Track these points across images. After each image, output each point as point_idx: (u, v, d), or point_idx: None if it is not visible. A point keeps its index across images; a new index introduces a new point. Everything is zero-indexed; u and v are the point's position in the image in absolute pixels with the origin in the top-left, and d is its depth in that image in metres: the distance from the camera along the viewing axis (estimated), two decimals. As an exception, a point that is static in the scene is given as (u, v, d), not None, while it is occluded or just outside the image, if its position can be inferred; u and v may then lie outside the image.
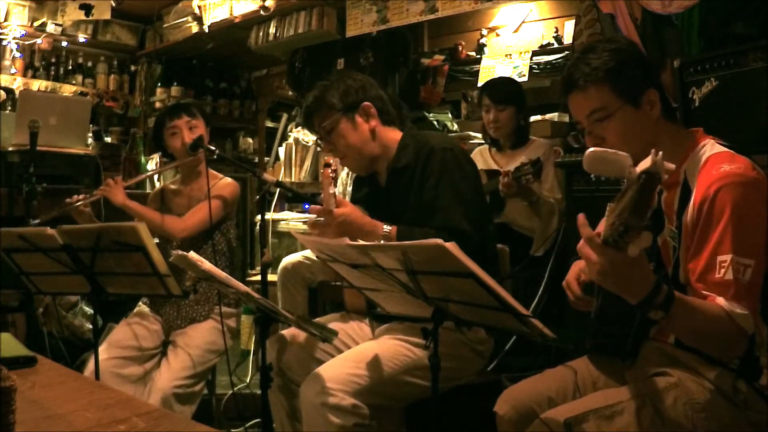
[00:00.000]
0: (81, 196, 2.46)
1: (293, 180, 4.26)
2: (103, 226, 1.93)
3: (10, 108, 4.35)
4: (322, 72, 4.24)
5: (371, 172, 2.05)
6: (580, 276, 1.49)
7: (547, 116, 3.37)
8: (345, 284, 1.88)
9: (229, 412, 2.75)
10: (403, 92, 4.11)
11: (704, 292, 1.27)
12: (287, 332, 2.00)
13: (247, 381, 3.17)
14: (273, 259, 3.25)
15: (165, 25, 4.98)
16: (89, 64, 5.26)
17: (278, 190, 3.47)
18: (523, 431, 1.40)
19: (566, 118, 3.15)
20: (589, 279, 1.30)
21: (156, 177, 4.26)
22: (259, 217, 2.65)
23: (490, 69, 3.77)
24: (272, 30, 4.32)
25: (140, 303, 2.58)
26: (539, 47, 3.69)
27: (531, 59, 3.65)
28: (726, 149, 1.36)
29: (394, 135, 2.00)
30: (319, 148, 3.80)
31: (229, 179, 2.64)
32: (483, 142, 3.40)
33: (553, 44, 3.64)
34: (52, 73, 5.00)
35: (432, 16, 3.62)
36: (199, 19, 4.70)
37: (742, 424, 1.30)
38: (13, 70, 4.77)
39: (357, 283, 1.69)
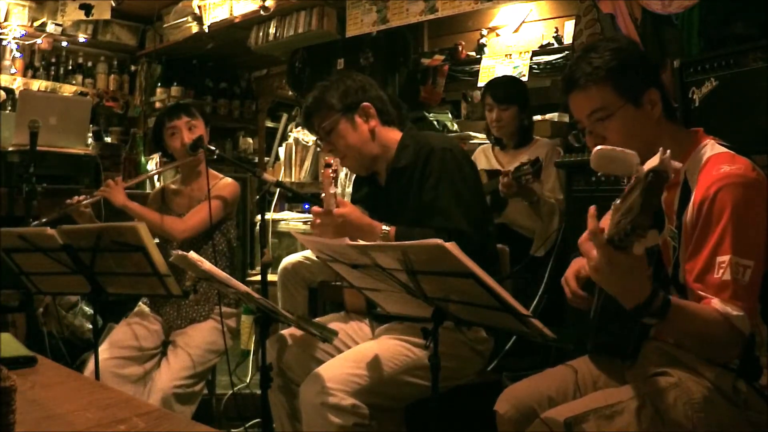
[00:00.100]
0: (81, 197, 2.47)
1: (293, 180, 4.26)
2: (103, 226, 1.94)
3: (10, 108, 4.35)
4: (322, 72, 4.25)
5: (371, 172, 2.05)
6: (580, 272, 1.49)
7: (547, 116, 3.37)
8: (345, 284, 1.88)
9: (229, 412, 2.75)
10: (403, 92, 4.11)
11: (701, 293, 1.27)
12: (287, 332, 2.00)
13: (247, 381, 3.17)
14: (273, 259, 3.25)
15: (165, 25, 4.98)
16: (89, 64, 5.26)
17: (278, 190, 3.47)
18: (524, 430, 1.40)
19: (566, 118, 3.15)
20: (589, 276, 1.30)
21: (156, 177, 4.26)
22: (259, 217, 2.65)
23: (490, 69, 3.77)
24: (272, 30, 4.32)
25: (140, 303, 2.58)
26: (539, 47, 3.69)
27: (531, 59, 3.65)
28: (726, 150, 1.36)
29: (393, 135, 2.00)
30: (319, 148, 3.79)
31: (229, 179, 2.64)
32: (483, 142, 3.40)
33: (553, 44, 3.64)
34: (52, 73, 5.00)
35: (432, 16, 3.62)
36: (199, 19, 4.70)
37: (742, 424, 1.30)
38: (13, 70, 4.76)
39: (357, 283, 1.69)
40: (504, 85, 3.00)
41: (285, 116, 5.37)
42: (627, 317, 1.19)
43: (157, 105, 5.26)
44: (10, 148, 3.25)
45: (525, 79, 3.54)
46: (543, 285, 2.56)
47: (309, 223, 1.87)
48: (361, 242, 1.46)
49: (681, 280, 1.37)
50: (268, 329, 1.78)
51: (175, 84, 5.28)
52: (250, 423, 2.68)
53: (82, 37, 5.04)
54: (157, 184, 3.98)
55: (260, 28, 4.41)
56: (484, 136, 3.65)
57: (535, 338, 1.37)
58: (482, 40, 3.93)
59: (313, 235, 1.83)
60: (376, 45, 4.18)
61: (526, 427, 1.40)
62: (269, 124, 5.99)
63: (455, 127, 3.94)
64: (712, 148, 1.38)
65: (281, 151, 4.49)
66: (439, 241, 1.23)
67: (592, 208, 1.10)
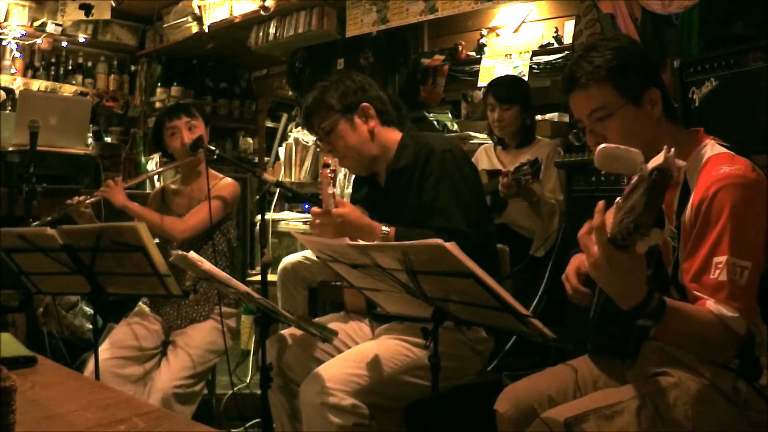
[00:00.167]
0: (82, 198, 2.46)
1: (293, 180, 4.26)
2: (103, 226, 1.93)
3: (10, 108, 4.35)
4: (322, 72, 4.25)
5: (371, 172, 2.05)
6: (580, 268, 1.49)
7: (547, 116, 3.37)
8: (345, 284, 1.88)
9: (229, 412, 2.75)
10: (403, 92, 4.11)
11: (697, 293, 1.27)
12: (287, 332, 2.00)
13: (247, 381, 3.17)
14: (273, 259, 3.25)
15: (165, 25, 4.98)
16: (89, 64, 5.26)
17: (278, 190, 3.47)
18: (523, 429, 1.40)
19: (566, 118, 3.15)
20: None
21: (156, 177, 4.26)
22: (259, 217, 2.65)
23: (490, 69, 3.77)
24: (272, 30, 4.32)
25: (140, 303, 2.58)
26: (539, 47, 3.69)
27: (531, 59, 3.65)
28: (726, 150, 1.36)
29: (393, 135, 2.00)
30: (318, 149, 3.79)
31: (229, 179, 2.64)
32: (483, 142, 3.39)
33: (553, 44, 3.64)
34: (52, 73, 5.00)
35: (432, 16, 3.62)
36: (199, 19, 4.70)
37: (742, 424, 1.30)
38: (13, 70, 4.76)
39: (357, 283, 1.69)
40: (506, 85, 2.99)
41: (285, 116, 5.37)
42: (627, 317, 1.19)
43: (157, 105, 5.26)
44: (10, 148, 3.25)
45: (525, 79, 3.53)
46: (543, 285, 2.55)
47: (309, 223, 1.86)
48: (361, 242, 1.46)
49: (681, 281, 1.37)
50: (268, 329, 1.78)
51: (175, 84, 5.28)
52: (250, 423, 2.68)
53: (82, 37, 5.04)
54: (157, 184, 3.98)
55: (260, 28, 4.41)
56: (484, 136, 3.65)
57: (535, 338, 1.37)
58: (482, 40, 3.93)
59: (312, 235, 1.83)
60: (376, 45, 4.18)
61: (526, 426, 1.40)
62: (269, 124, 5.99)
63: (455, 127, 3.94)
64: (712, 148, 1.37)
65: (281, 151, 4.49)
66: (439, 241, 1.23)
67: (601, 203, 1.10)
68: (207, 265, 1.65)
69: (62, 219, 2.32)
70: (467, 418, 1.83)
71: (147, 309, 2.52)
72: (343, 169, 3.03)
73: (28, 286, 2.14)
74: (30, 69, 4.90)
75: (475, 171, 2.01)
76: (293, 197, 4.19)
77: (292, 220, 3.88)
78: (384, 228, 1.81)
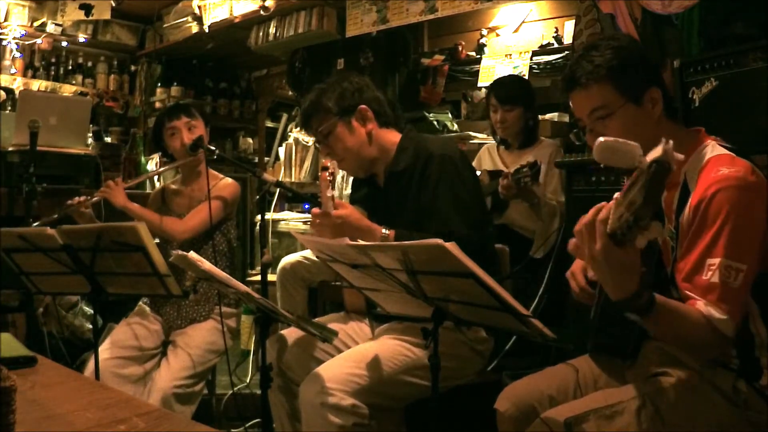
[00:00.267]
0: (82, 198, 2.46)
1: (293, 180, 4.26)
2: (103, 226, 1.94)
3: (10, 108, 4.35)
4: (322, 72, 4.25)
5: (369, 174, 2.05)
6: (587, 268, 1.48)
7: (547, 116, 3.37)
8: (345, 284, 1.88)
9: (229, 412, 2.75)
10: (403, 92, 4.11)
11: (688, 293, 1.28)
12: (287, 332, 2.00)
13: (247, 381, 3.17)
14: (273, 259, 3.25)
15: (165, 25, 4.98)
16: (89, 64, 5.26)
17: (278, 190, 3.47)
18: (524, 429, 1.40)
19: (566, 118, 3.15)
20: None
21: (156, 177, 4.26)
22: (259, 217, 2.65)
23: (490, 69, 3.77)
24: (272, 30, 4.32)
25: (140, 303, 2.58)
26: (539, 47, 3.69)
27: (531, 59, 3.64)
28: (727, 151, 1.35)
29: (392, 137, 2.00)
30: (318, 149, 3.80)
31: (229, 180, 2.64)
32: (483, 142, 3.39)
33: (553, 44, 3.64)
34: (52, 73, 5.00)
35: (432, 16, 3.62)
36: (199, 19, 4.70)
37: (742, 424, 1.30)
38: (13, 70, 4.76)
39: (357, 283, 1.69)
40: (508, 86, 2.97)
41: (285, 116, 5.37)
42: (618, 311, 1.20)
43: (157, 105, 5.26)
44: (10, 148, 3.25)
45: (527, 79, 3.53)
46: (543, 285, 2.55)
47: (309, 223, 1.87)
48: (361, 242, 1.46)
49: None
50: (268, 329, 1.78)
51: (175, 84, 5.28)
52: (250, 423, 2.68)
53: (82, 37, 5.04)
54: (157, 185, 3.98)
55: (260, 28, 4.41)
56: (484, 135, 3.66)
57: (535, 338, 1.37)
58: (482, 40, 3.93)
59: (312, 235, 1.83)
60: (376, 45, 4.18)
61: (527, 425, 1.40)
62: (269, 124, 6.00)
63: (455, 127, 3.94)
64: (713, 149, 1.37)
65: (281, 151, 4.50)
66: (439, 240, 1.23)
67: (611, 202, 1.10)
68: (207, 265, 1.65)
69: (62, 219, 2.32)
70: (467, 418, 1.83)
71: (147, 309, 2.52)
72: (340, 172, 3.03)
73: (28, 286, 2.14)
74: (30, 69, 4.90)
75: (474, 174, 2.01)
76: (293, 197, 4.19)
77: (292, 220, 3.88)
78: (384, 231, 1.81)
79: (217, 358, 2.46)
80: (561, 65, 3.49)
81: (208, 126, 2.62)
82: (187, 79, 5.39)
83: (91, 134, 4.50)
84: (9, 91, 4.60)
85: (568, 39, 3.53)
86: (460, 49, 4.01)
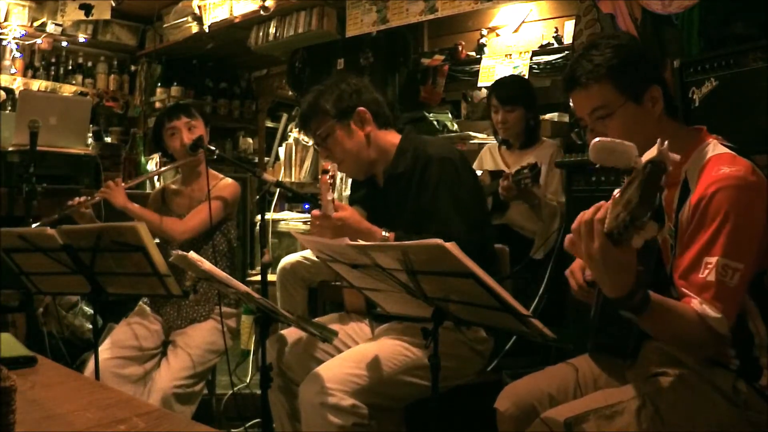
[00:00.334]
0: (82, 199, 2.46)
1: (293, 180, 4.27)
2: (103, 226, 1.94)
3: (10, 108, 4.35)
4: (322, 72, 4.25)
5: (369, 175, 2.05)
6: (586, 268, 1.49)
7: (547, 116, 3.37)
8: (345, 284, 1.88)
9: (229, 412, 2.75)
10: (403, 92, 4.11)
11: (684, 290, 1.28)
12: (287, 332, 2.00)
13: (247, 381, 3.17)
14: (273, 259, 3.25)
15: (165, 25, 4.98)
16: (89, 64, 5.26)
17: (278, 190, 3.47)
18: (524, 428, 1.40)
19: (566, 118, 3.15)
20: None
21: (156, 177, 4.26)
22: (259, 217, 2.65)
23: (490, 69, 3.77)
24: (272, 30, 4.32)
25: (140, 302, 2.58)
26: (539, 47, 3.68)
27: (531, 59, 3.64)
28: (728, 150, 1.35)
29: (391, 138, 1.99)
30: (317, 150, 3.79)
31: (229, 180, 2.64)
32: (483, 142, 3.39)
33: (553, 44, 3.64)
34: (52, 73, 5.00)
35: (432, 16, 3.62)
36: (199, 19, 4.70)
37: (742, 424, 1.30)
38: (13, 70, 4.76)
39: (357, 283, 1.69)
40: (509, 86, 2.96)
41: (285, 116, 5.37)
42: (613, 308, 1.21)
43: (157, 105, 5.26)
44: (10, 148, 3.25)
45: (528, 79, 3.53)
46: (543, 285, 2.55)
47: (309, 223, 1.87)
48: (361, 242, 1.46)
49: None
50: (268, 329, 1.78)
51: (175, 84, 5.28)
52: (250, 423, 2.68)
53: (82, 37, 5.04)
54: (158, 184, 3.98)
55: (260, 28, 4.41)
56: (484, 135, 3.66)
57: (535, 338, 1.37)
58: (482, 40, 3.93)
59: (312, 235, 1.83)
60: (376, 45, 4.18)
61: (527, 424, 1.40)
62: (269, 124, 6.00)
63: (455, 127, 3.94)
64: (714, 147, 1.37)
65: (281, 151, 4.50)
66: (439, 240, 1.24)
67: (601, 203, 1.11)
68: (207, 265, 1.65)
69: (63, 219, 2.32)
70: (467, 418, 1.83)
71: (147, 309, 2.52)
72: (339, 173, 3.03)
73: (28, 286, 2.14)
74: (30, 69, 4.90)
75: (474, 175, 2.01)
76: (293, 197, 4.19)
77: (292, 220, 3.88)
78: (384, 233, 1.81)
79: (217, 358, 2.46)
80: (561, 65, 3.49)
81: (208, 126, 2.62)
82: (187, 79, 5.39)
83: (91, 134, 4.50)
84: (9, 91, 4.60)
85: (568, 39, 3.52)
86: (460, 49, 4.00)
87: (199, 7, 4.68)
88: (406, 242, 1.34)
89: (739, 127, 1.93)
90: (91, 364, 2.13)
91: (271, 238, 3.75)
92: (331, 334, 1.72)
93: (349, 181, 3.10)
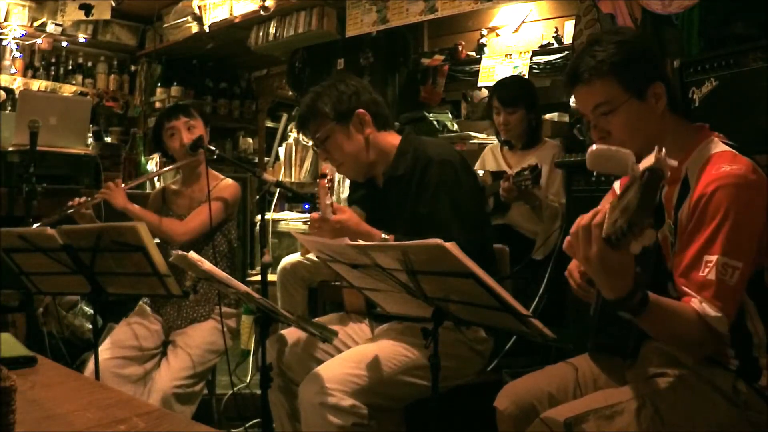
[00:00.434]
0: (82, 199, 2.46)
1: (293, 180, 4.27)
2: (103, 226, 1.93)
3: (10, 108, 4.36)
4: (322, 72, 4.25)
5: (368, 177, 2.05)
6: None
7: (547, 116, 3.37)
8: (345, 284, 1.88)
9: (229, 412, 2.75)
10: (403, 92, 4.11)
11: (684, 288, 1.28)
12: (287, 332, 2.00)
13: (247, 381, 3.17)
14: (273, 260, 3.25)
15: (165, 25, 4.99)
16: (89, 64, 5.26)
17: (278, 190, 3.47)
18: (523, 427, 1.40)
19: (566, 118, 3.15)
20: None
21: (156, 177, 4.26)
22: (259, 217, 2.65)
23: (490, 69, 3.77)
24: (272, 30, 4.32)
25: (141, 302, 2.58)
26: (539, 47, 3.69)
27: (531, 59, 3.64)
28: (729, 149, 1.35)
29: (391, 139, 1.99)
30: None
31: (230, 180, 2.64)
32: (483, 142, 3.39)
33: (553, 44, 3.64)
34: (52, 73, 5.00)
35: (432, 16, 3.62)
36: (199, 19, 4.70)
37: (742, 424, 1.30)
38: (13, 70, 4.77)
39: (357, 283, 1.69)
40: (510, 88, 2.95)
41: (285, 116, 5.37)
42: (612, 309, 1.21)
43: (157, 105, 5.27)
44: (10, 148, 3.25)
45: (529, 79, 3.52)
46: (543, 285, 2.55)
47: (308, 224, 1.87)
48: (361, 242, 1.46)
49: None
50: (268, 329, 1.78)
51: (175, 84, 5.28)
52: (250, 423, 2.68)
53: (82, 37, 5.04)
54: (158, 185, 3.98)
55: (260, 28, 4.41)
56: (484, 135, 3.66)
57: (535, 338, 1.37)
58: (482, 40, 3.93)
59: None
60: (376, 45, 4.18)
61: (526, 423, 1.40)
62: (269, 124, 6.00)
63: (455, 127, 3.94)
64: (716, 145, 1.37)
65: (281, 151, 4.50)
66: (439, 241, 1.24)
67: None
68: (207, 265, 1.65)
69: (63, 220, 2.32)
70: (467, 418, 1.83)
71: (147, 309, 2.52)
72: (338, 174, 3.03)
73: (28, 286, 2.14)
74: (30, 69, 4.90)
75: (474, 177, 2.00)
76: (293, 197, 4.20)
77: (292, 220, 3.88)
78: (383, 235, 1.81)
79: (217, 358, 2.46)
80: (561, 65, 3.49)
81: (208, 126, 2.62)
82: (187, 79, 5.39)
83: (91, 134, 4.50)
84: (9, 91, 4.61)
85: (568, 39, 3.53)
86: (460, 49, 4.00)
87: (199, 7, 4.68)
88: (406, 242, 1.34)
89: (739, 127, 1.93)
90: (91, 364, 2.13)
91: (271, 238, 3.76)
92: (331, 334, 1.72)
93: (347, 182, 3.10)
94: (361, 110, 1.94)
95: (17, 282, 2.21)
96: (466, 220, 1.82)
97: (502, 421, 1.49)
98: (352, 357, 1.79)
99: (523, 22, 3.85)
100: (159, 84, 5.35)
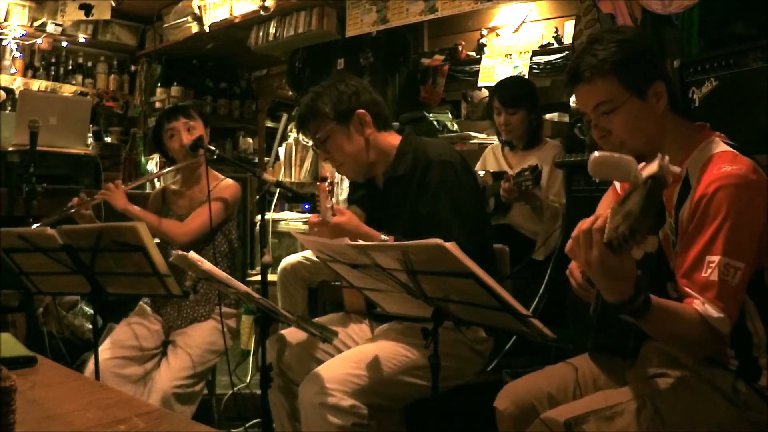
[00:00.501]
0: (81, 195, 2.46)
1: (293, 180, 4.27)
2: (103, 226, 1.93)
3: (10, 108, 4.35)
4: (322, 72, 4.25)
5: (368, 177, 2.05)
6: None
7: (547, 116, 3.37)
8: (345, 284, 1.88)
9: (229, 412, 2.75)
10: (403, 92, 4.11)
11: (686, 289, 1.28)
12: (287, 332, 2.00)
13: (247, 381, 3.17)
14: (273, 260, 3.25)
15: (165, 25, 4.98)
16: (89, 64, 5.26)
17: (278, 190, 3.47)
18: (523, 427, 1.40)
19: (566, 118, 3.15)
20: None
21: (156, 178, 4.26)
22: (259, 217, 2.65)
23: (490, 69, 3.77)
24: (272, 30, 4.32)
25: (141, 302, 2.58)
26: (539, 47, 3.68)
27: (531, 59, 3.64)
28: (730, 149, 1.35)
29: (391, 140, 1.98)
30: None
31: (230, 181, 2.64)
32: (483, 142, 3.39)
33: (553, 44, 3.64)
34: (52, 73, 5.00)
35: (432, 16, 3.62)
36: (199, 19, 4.70)
37: (742, 424, 1.30)
38: (13, 70, 4.77)
39: (357, 283, 1.69)
40: (511, 88, 2.95)
41: (285, 116, 5.37)
42: (612, 312, 1.21)
43: (157, 105, 5.26)
44: (10, 148, 3.25)
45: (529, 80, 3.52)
46: (543, 285, 2.55)
47: (308, 224, 1.87)
48: (361, 242, 1.46)
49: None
50: (268, 329, 1.78)
51: (175, 84, 5.28)
52: (250, 423, 2.68)
53: (82, 37, 5.04)
54: (158, 185, 3.97)
55: (260, 28, 4.41)
56: (484, 135, 3.66)
57: (535, 338, 1.37)
58: (482, 40, 3.93)
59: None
60: (376, 45, 4.18)
61: (526, 424, 1.40)
62: (269, 124, 6.00)
63: (455, 127, 3.94)
64: (717, 145, 1.37)
65: (281, 151, 4.50)
66: (439, 241, 1.24)
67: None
68: (207, 265, 1.65)
69: (63, 220, 2.32)
70: (467, 418, 1.83)
71: (148, 309, 2.52)
72: (337, 175, 3.03)
73: (28, 286, 2.14)
74: (30, 69, 4.90)
75: (474, 178, 2.00)
76: (293, 197, 4.19)
77: (292, 220, 3.88)
78: (383, 236, 1.81)
79: (217, 358, 2.46)
80: (561, 65, 3.49)
81: (207, 126, 2.62)
82: (187, 79, 5.39)
83: (91, 134, 4.50)
84: (9, 91, 4.60)
85: (568, 39, 3.53)
86: (460, 49, 4.00)
87: (199, 7, 4.68)
88: (406, 242, 1.34)
89: (739, 127, 1.92)
90: (91, 364, 2.13)
91: (271, 238, 3.75)
92: (331, 334, 1.72)
93: (346, 183, 3.10)
94: (362, 110, 1.94)
95: (17, 282, 2.21)
96: (466, 220, 1.82)
97: (502, 421, 1.49)
98: (352, 357, 1.79)
99: (523, 22, 3.85)
100: (159, 84, 5.34)
